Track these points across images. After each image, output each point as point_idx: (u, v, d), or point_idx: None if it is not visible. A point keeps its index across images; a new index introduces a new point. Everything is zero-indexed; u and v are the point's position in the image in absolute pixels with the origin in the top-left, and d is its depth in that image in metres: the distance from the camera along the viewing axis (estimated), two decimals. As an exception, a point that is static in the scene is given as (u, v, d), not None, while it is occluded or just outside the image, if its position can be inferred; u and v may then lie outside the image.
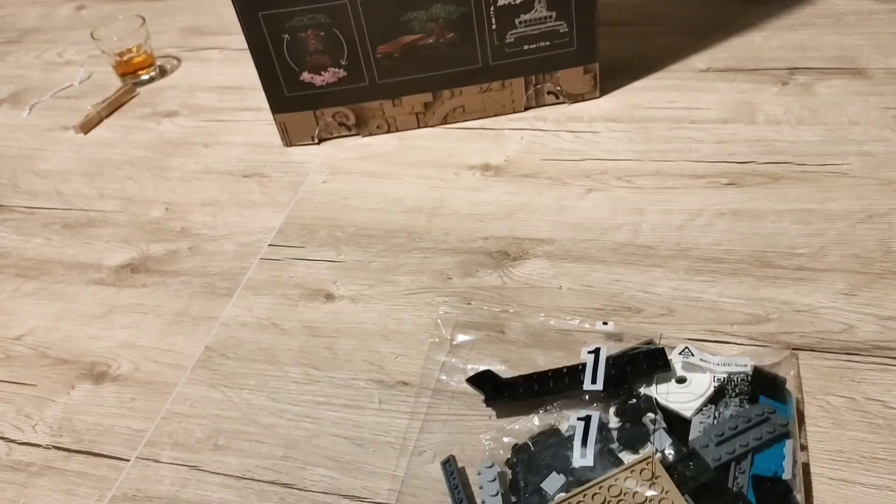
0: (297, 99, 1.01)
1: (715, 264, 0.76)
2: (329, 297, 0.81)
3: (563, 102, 1.03)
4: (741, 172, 0.86)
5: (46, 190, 1.07)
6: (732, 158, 0.89)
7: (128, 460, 0.69)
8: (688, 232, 0.80)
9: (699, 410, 0.60)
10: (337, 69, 0.98)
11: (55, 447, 0.71)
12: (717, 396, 0.61)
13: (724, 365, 0.63)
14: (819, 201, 0.81)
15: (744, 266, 0.75)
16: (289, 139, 1.05)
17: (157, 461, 0.68)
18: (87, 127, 1.18)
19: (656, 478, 0.55)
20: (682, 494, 0.54)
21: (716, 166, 0.88)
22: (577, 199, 0.87)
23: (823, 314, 0.69)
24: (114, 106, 1.22)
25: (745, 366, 0.62)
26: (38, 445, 0.72)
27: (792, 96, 0.96)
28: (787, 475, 0.55)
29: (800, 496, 0.55)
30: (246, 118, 1.14)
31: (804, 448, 0.59)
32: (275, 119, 1.03)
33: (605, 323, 0.70)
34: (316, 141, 1.04)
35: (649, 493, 0.54)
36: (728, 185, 0.85)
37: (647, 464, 0.56)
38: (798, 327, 0.68)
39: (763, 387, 0.62)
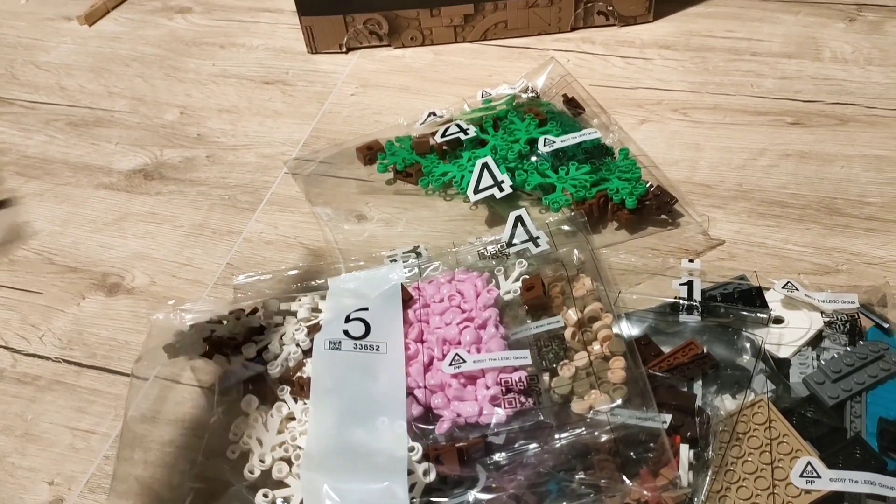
0: (326, 0, 0.92)
1: (780, 208, 0.71)
2: (361, 217, 0.75)
3: (614, 24, 0.95)
4: (807, 112, 0.81)
5: (48, 84, 0.99)
6: (797, 96, 0.83)
7: (146, 379, 0.64)
8: (750, 172, 0.75)
9: (798, 351, 0.56)
10: (373, -30, 0.90)
11: (65, 360, 0.66)
12: (816, 339, 0.57)
13: (831, 301, 0.58)
14: (892, 148, 0.75)
15: (811, 212, 0.70)
16: (314, 45, 0.97)
17: (177, 382, 0.63)
18: (91, 18, 1.09)
19: (771, 422, 0.51)
20: (805, 440, 0.50)
21: (779, 103, 0.82)
22: (629, 130, 0.81)
23: (896, 268, 0.65)
24: (121, -3, 1.13)
25: (852, 303, 0.58)
26: (47, 358, 0.66)
27: (860, 34, 0.90)
28: None
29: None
30: (266, 20, 1.06)
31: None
32: (300, 22, 0.95)
33: (690, 260, 0.65)
34: (344, 50, 0.97)
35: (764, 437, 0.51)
36: (793, 124, 0.79)
37: (759, 407, 0.52)
38: (869, 281, 0.64)
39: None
